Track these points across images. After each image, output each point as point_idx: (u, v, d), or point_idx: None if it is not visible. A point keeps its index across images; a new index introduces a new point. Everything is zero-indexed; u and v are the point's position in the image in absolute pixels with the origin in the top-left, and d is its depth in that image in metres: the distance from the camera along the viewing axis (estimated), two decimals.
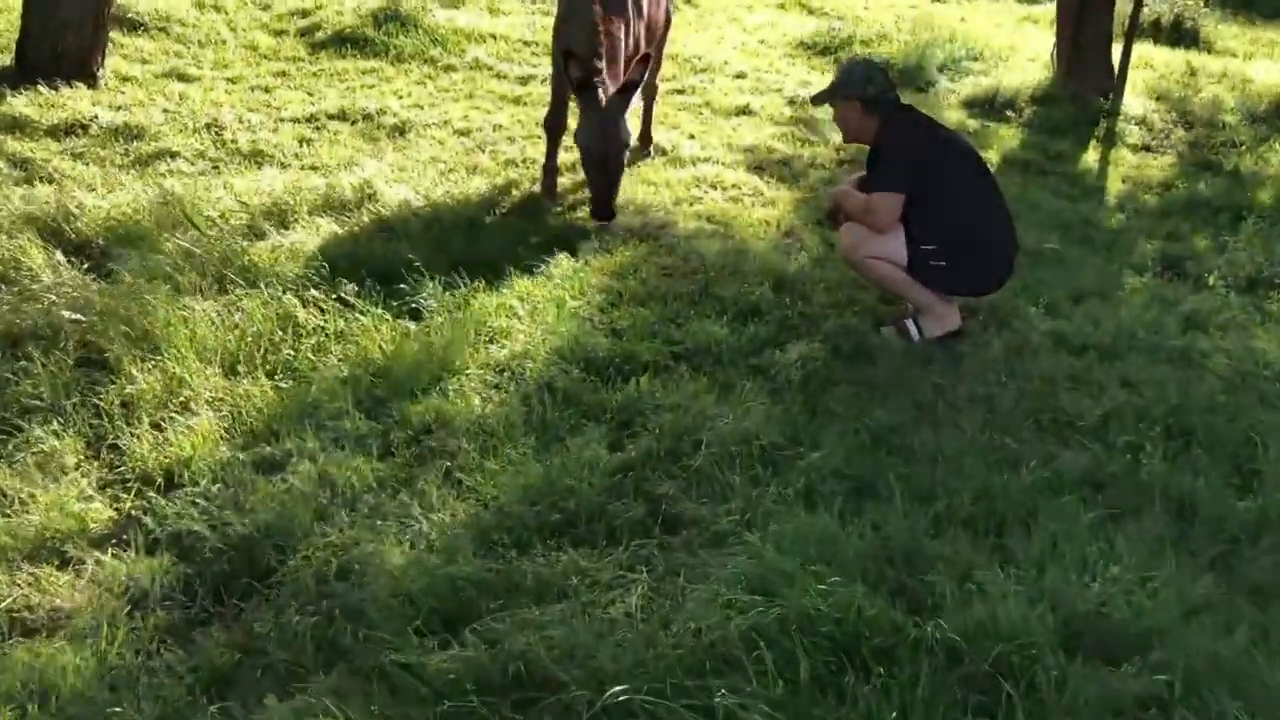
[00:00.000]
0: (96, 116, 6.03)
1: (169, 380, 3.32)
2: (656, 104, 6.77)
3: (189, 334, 3.51)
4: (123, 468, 3.01)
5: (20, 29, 6.67)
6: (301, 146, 6.06)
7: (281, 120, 6.53)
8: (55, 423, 3.10)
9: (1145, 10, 9.39)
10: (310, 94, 7.21)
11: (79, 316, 3.48)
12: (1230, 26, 12.72)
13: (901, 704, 2.26)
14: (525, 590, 2.59)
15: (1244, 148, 7.76)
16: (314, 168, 5.70)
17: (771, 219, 5.65)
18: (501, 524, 2.84)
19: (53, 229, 4.30)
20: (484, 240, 4.85)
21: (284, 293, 3.90)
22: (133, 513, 2.84)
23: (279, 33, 8.70)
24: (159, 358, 3.40)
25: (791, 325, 4.32)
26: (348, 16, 8.78)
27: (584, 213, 5.45)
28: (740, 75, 8.79)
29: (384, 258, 4.35)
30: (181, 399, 3.28)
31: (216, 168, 5.59)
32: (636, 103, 6.52)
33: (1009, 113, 8.21)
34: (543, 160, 5.77)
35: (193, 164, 5.59)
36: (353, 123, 6.63)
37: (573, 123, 6.62)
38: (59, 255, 4.04)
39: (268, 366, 3.52)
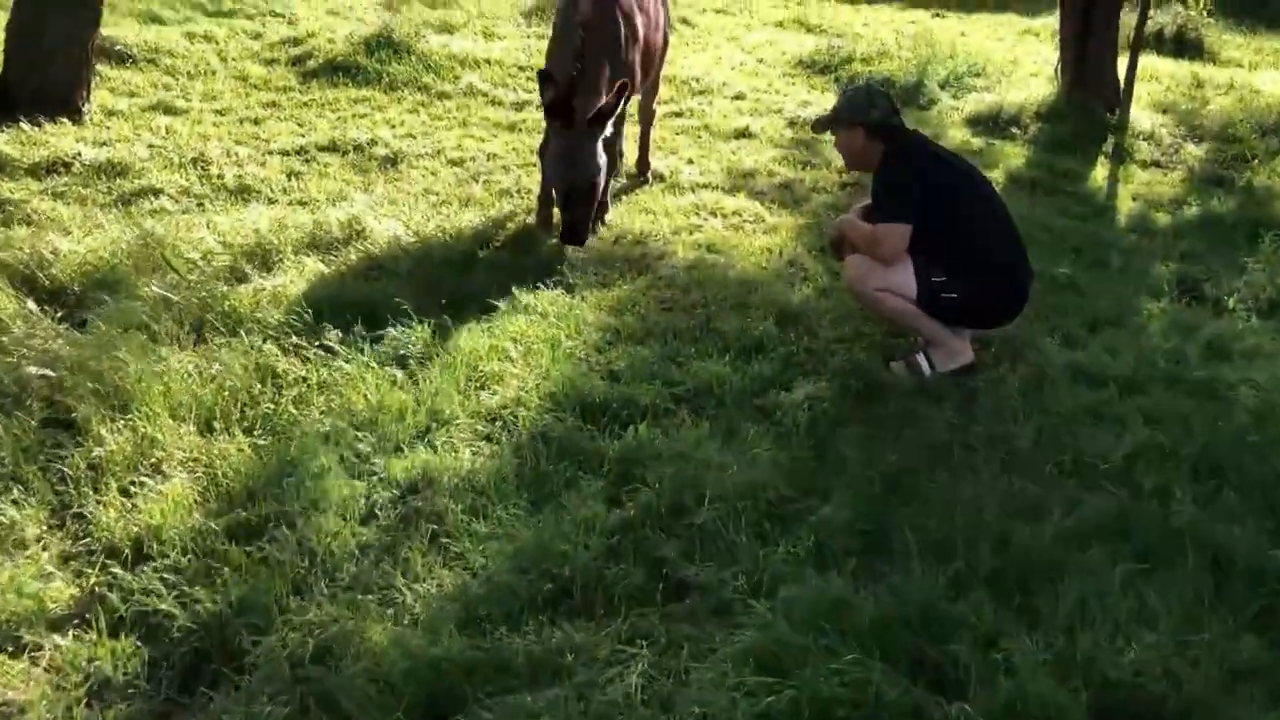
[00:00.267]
0: (79, 154, 5.87)
1: (140, 440, 3.14)
2: (654, 129, 6.62)
3: (163, 389, 3.33)
4: (88, 539, 2.83)
5: (2, 65, 6.53)
6: (290, 180, 5.90)
7: (270, 153, 6.37)
8: (16, 491, 2.91)
9: (1148, 21, 9.22)
10: (300, 125, 7.06)
11: (47, 372, 3.31)
12: (1234, 36, 12.57)
13: None
14: (515, 671, 2.40)
15: (1256, 162, 7.59)
16: (302, 203, 5.54)
17: (774, 246, 5.47)
18: (491, 595, 2.65)
19: (25, 275, 4.13)
20: (476, 276, 4.68)
21: (264, 341, 3.72)
22: (96, 589, 2.65)
23: (270, 62, 8.57)
24: (130, 416, 3.22)
25: (797, 362, 4.13)
26: (340, 44, 8.65)
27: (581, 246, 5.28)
28: (739, 96, 8.65)
29: (371, 299, 4.18)
30: (153, 460, 3.09)
31: (201, 205, 5.43)
32: (629, 128, 6.40)
33: (1014, 130, 8.05)
34: (537, 190, 5.61)
35: (176, 201, 5.42)
36: (343, 154, 6.47)
37: None
38: (31, 304, 3.87)
39: (246, 422, 3.34)
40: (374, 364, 3.69)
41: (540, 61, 7.81)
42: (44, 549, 2.76)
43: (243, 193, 5.64)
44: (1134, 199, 6.81)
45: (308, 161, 6.28)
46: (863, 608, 2.64)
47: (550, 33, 5.76)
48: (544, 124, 5.54)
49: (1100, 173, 7.39)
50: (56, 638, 2.48)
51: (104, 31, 8.26)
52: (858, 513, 3.09)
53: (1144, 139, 7.99)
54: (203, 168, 5.95)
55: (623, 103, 4.92)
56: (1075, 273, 5.30)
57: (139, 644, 2.48)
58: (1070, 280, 5.19)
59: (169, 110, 7.07)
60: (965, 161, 4.50)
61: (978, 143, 7.81)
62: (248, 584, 2.67)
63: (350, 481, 3.13)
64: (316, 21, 9.85)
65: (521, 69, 8.69)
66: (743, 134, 7.59)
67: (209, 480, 3.08)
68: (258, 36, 9.31)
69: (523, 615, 2.60)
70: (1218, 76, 10.22)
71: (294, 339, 3.75)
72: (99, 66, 7.66)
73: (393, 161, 6.40)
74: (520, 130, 7.26)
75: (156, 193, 5.48)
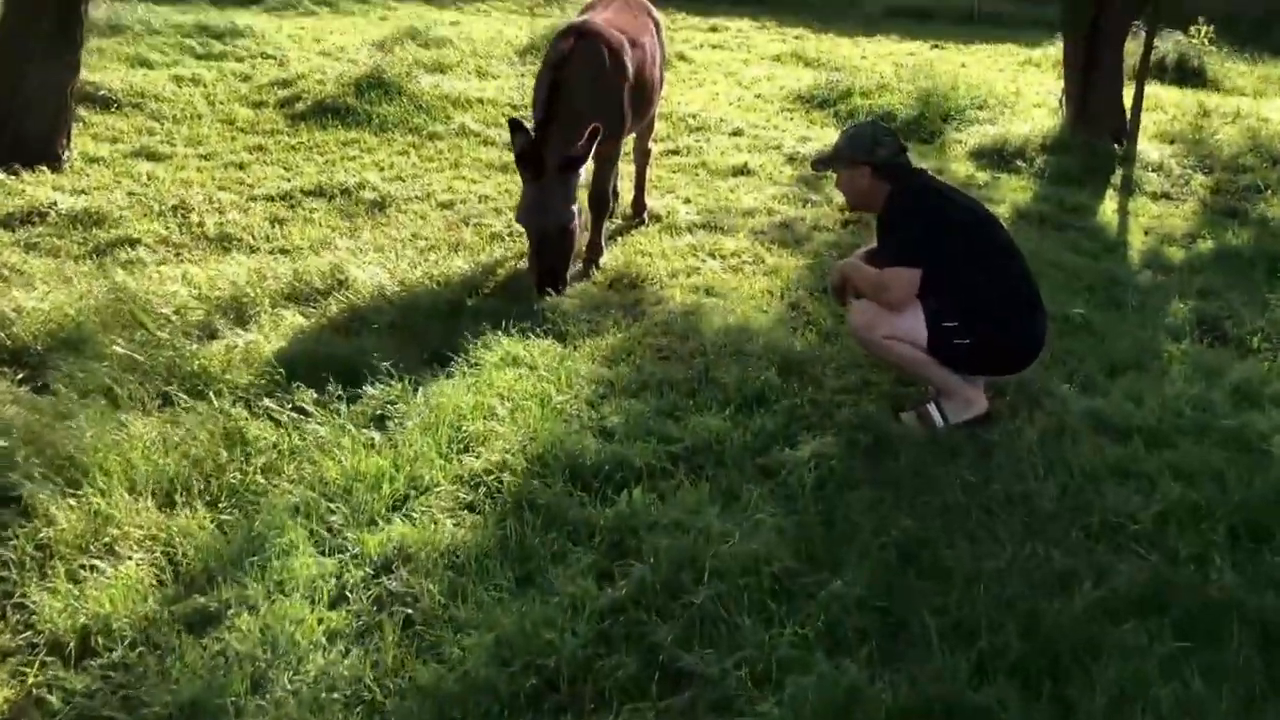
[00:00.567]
0: (55, 203, 5.67)
1: (92, 518, 2.90)
2: (650, 168, 6.43)
3: (121, 460, 3.10)
4: (29, 631, 2.58)
5: None
6: (273, 227, 5.70)
7: (254, 198, 6.18)
8: None
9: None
10: (287, 169, 6.88)
11: None
12: (1236, 64, 12.42)
13: None
14: None
15: (1269, 192, 7.39)
16: (284, 251, 5.33)
17: (775, 289, 5.26)
18: (468, 692, 2.40)
19: None
20: (463, 326, 4.45)
21: (234, 404, 3.49)
22: (35, 690, 2.41)
23: (258, 104, 8.42)
24: (83, 491, 2.98)
25: (801, 415, 3.90)
26: (330, 86, 8.49)
27: (573, 290, 5.07)
28: (737, 132, 8.48)
29: (350, 355, 3.95)
30: (106, 540, 2.85)
31: (179, 254, 5.22)
32: (624, 166, 6.21)
33: (1019, 163, 7.86)
34: None
35: (154, 251, 5.22)
36: (330, 198, 6.28)
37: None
38: None
39: (210, 494, 3.10)
40: (350, 426, 3.46)
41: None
42: None
43: (223, 241, 5.43)
44: (1146, 233, 6.60)
45: (293, 207, 6.09)
46: (878, 700, 2.39)
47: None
48: None
49: (1110, 206, 7.19)
50: None
51: (90, 77, 8.14)
52: (871, 588, 2.85)
53: (1152, 170, 7.80)
54: (183, 215, 5.75)
55: (591, 149, 4.72)
56: (1090, 313, 5.07)
57: None
58: (1085, 321, 4.96)
59: (152, 156, 6.89)
60: (974, 200, 4.29)
61: (983, 176, 7.62)
62: (202, 681, 2.43)
63: (320, 559, 2.89)
64: (308, 63, 9.71)
65: (515, 108, 8.52)
66: (741, 171, 7.40)
67: (167, 561, 2.84)
68: (247, 79, 9.17)
69: (504, 716, 2.35)
70: (1223, 105, 10.05)
71: (265, 401, 3.52)
72: (82, 112, 7.52)
73: (380, 205, 6.20)
74: (513, 171, 7.03)
75: (133, 243, 5.28)
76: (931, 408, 3.94)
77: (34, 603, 2.65)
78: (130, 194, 6.06)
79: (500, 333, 4.38)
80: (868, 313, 3.93)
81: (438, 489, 3.23)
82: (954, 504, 3.37)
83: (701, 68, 11.44)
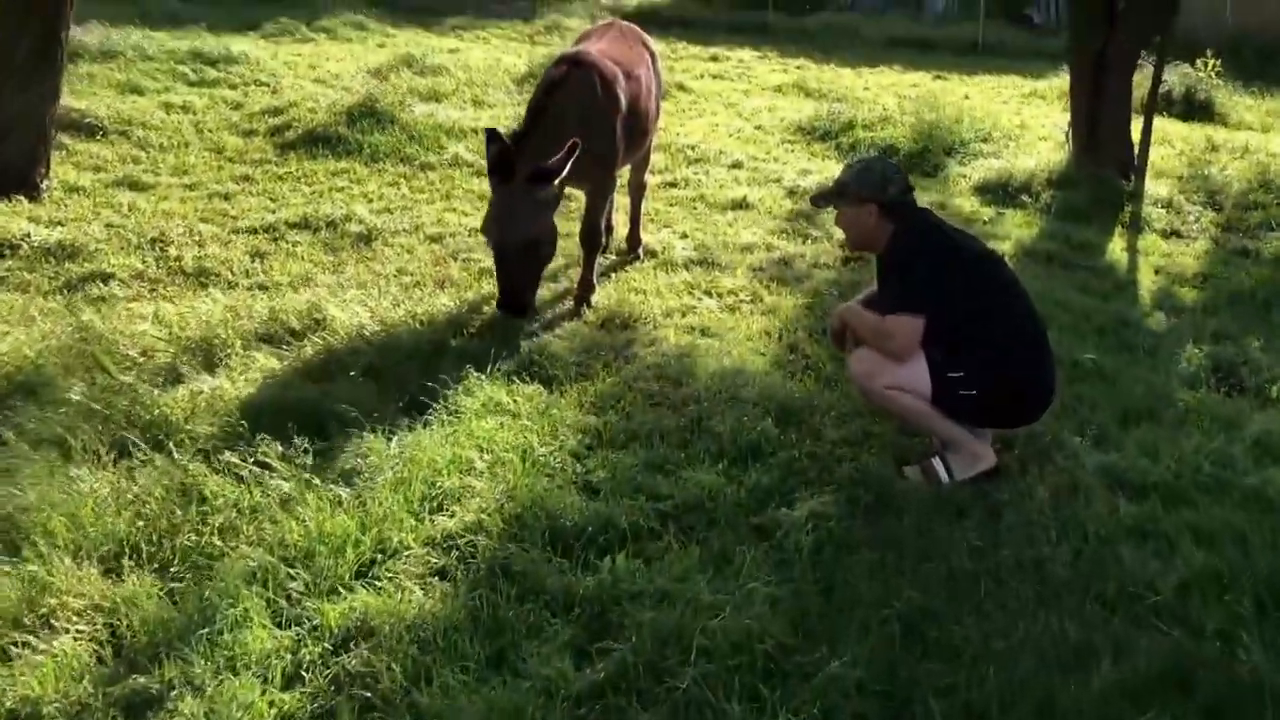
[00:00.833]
0: (29, 234, 5.49)
1: (28, 587, 2.68)
2: (646, 201, 6.25)
3: (66, 520, 2.88)
4: None
5: None
6: (253, 262, 5.51)
7: (236, 231, 5.99)
8: None
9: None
10: (273, 200, 6.71)
11: None
12: (1243, 98, 12.27)
13: None
14: None
15: None
16: (263, 287, 5.14)
17: (772, 329, 5.06)
18: None
19: None
20: (445, 369, 4.23)
21: (193, 457, 3.28)
22: None
23: (248, 133, 8.27)
24: (21, 557, 2.77)
25: (799, 469, 3.68)
26: (321, 114, 8.35)
27: (563, 330, 4.87)
28: (736, 165, 8.31)
29: (321, 403, 3.74)
30: (43, 612, 2.64)
31: (153, 290, 5.03)
32: (619, 198, 6.01)
33: (1024, 198, 7.67)
34: None
35: (127, 286, 5.03)
36: (315, 231, 6.09)
37: (567, 223, 6.11)
38: None
39: (161, 558, 2.88)
40: (317, 481, 3.24)
41: None
42: None
43: (201, 276, 5.24)
44: (1156, 272, 6.41)
45: (276, 240, 5.90)
46: None
47: None
48: None
49: (1118, 244, 7.00)
50: None
51: (76, 103, 8.00)
52: (872, 668, 2.63)
53: (1161, 206, 7.62)
54: (161, 248, 5.57)
55: (564, 164, 4.50)
56: (1101, 357, 4.86)
57: None
58: (1096, 366, 4.75)
59: (134, 186, 6.72)
60: (980, 242, 4.09)
61: (987, 212, 7.44)
62: None
63: (275, 632, 2.66)
64: (301, 90, 9.58)
65: None
66: (740, 205, 7.22)
67: (109, 634, 2.62)
68: (238, 106, 9.02)
69: None
70: (1231, 140, 9.90)
71: (227, 454, 3.30)
72: (66, 140, 7.36)
73: (367, 239, 6.02)
74: None
75: (106, 277, 5.09)
76: (936, 462, 3.73)
77: None
78: (108, 225, 5.87)
79: (483, 376, 4.17)
80: (868, 361, 3.73)
81: (407, 552, 3.01)
82: (961, 571, 3.15)
83: (701, 98, 11.30)
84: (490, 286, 5.37)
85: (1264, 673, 2.73)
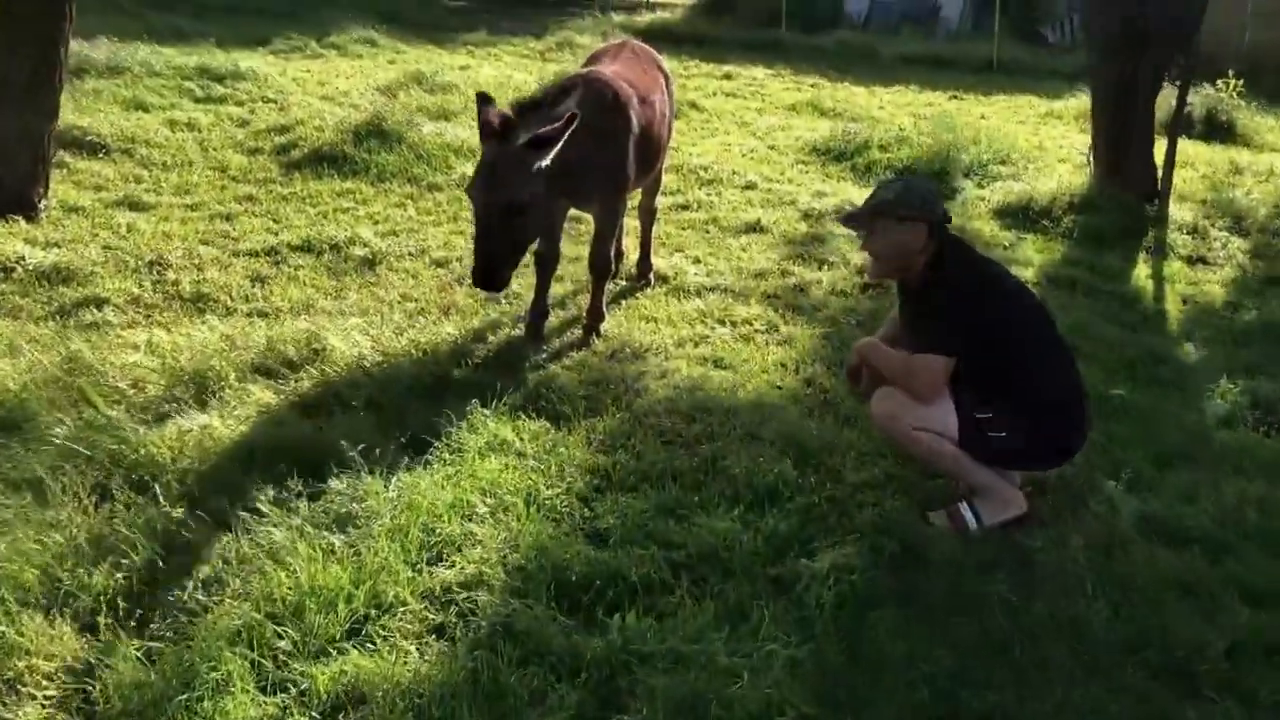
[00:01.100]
0: (24, 257, 5.34)
1: None
2: (656, 225, 6.07)
3: (40, 573, 2.71)
4: None
5: None
6: (253, 286, 5.35)
7: (237, 254, 5.83)
8: None
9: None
10: (276, 221, 6.54)
11: None
12: (1266, 118, 12.06)
13: None
14: None
15: None
16: (262, 314, 4.97)
17: (789, 361, 4.87)
18: None
19: None
20: (448, 404, 4.06)
21: (179, 502, 3.10)
22: None
23: (253, 151, 8.12)
24: None
25: (818, 515, 3.49)
26: (328, 133, 8.20)
27: (571, 361, 4.69)
28: (750, 186, 8.13)
29: (317, 441, 3.56)
30: (9, 674, 2.46)
31: (149, 316, 4.86)
32: (629, 220, 5.84)
33: (1045, 222, 7.47)
34: (531, 297, 5.03)
35: (122, 313, 4.86)
36: (318, 254, 5.93)
37: (576, 247, 5.94)
38: None
39: (141, 615, 2.70)
40: (309, 528, 3.06)
41: None
42: None
43: (198, 301, 5.08)
44: (1184, 302, 6.21)
45: (277, 264, 5.74)
46: None
47: None
48: None
49: (1142, 270, 6.79)
50: None
51: (79, 121, 7.87)
52: None
53: (1186, 232, 7.42)
54: (159, 272, 5.41)
55: (568, 132, 4.21)
56: (1131, 393, 4.66)
57: None
58: (1126, 403, 4.55)
59: (135, 206, 6.56)
60: (1006, 269, 3.89)
61: (1007, 236, 7.24)
62: None
63: (260, 699, 2.48)
64: (308, 108, 9.43)
65: None
66: (753, 228, 7.04)
67: (81, 699, 2.43)
68: (244, 124, 8.89)
69: None
70: (1256, 163, 9.69)
71: (213, 499, 3.13)
72: (68, 159, 7.23)
73: (371, 263, 5.85)
74: None
75: (101, 303, 4.93)
76: (963, 507, 3.54)
77: None
78: (106, 247, 5.72)
79: (488, 411, 3.99)
80: (892, 401, 3.54)
81: (403, 608, 2.82)
82: (994, 629, 2.96)
83: (714, 116, 11.14)
84: (495, 312, 5.20)
85: None
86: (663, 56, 5.96)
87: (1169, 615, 3.04)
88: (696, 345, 5.01)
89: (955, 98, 13.68)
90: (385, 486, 3.32)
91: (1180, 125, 7.93)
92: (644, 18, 20.46)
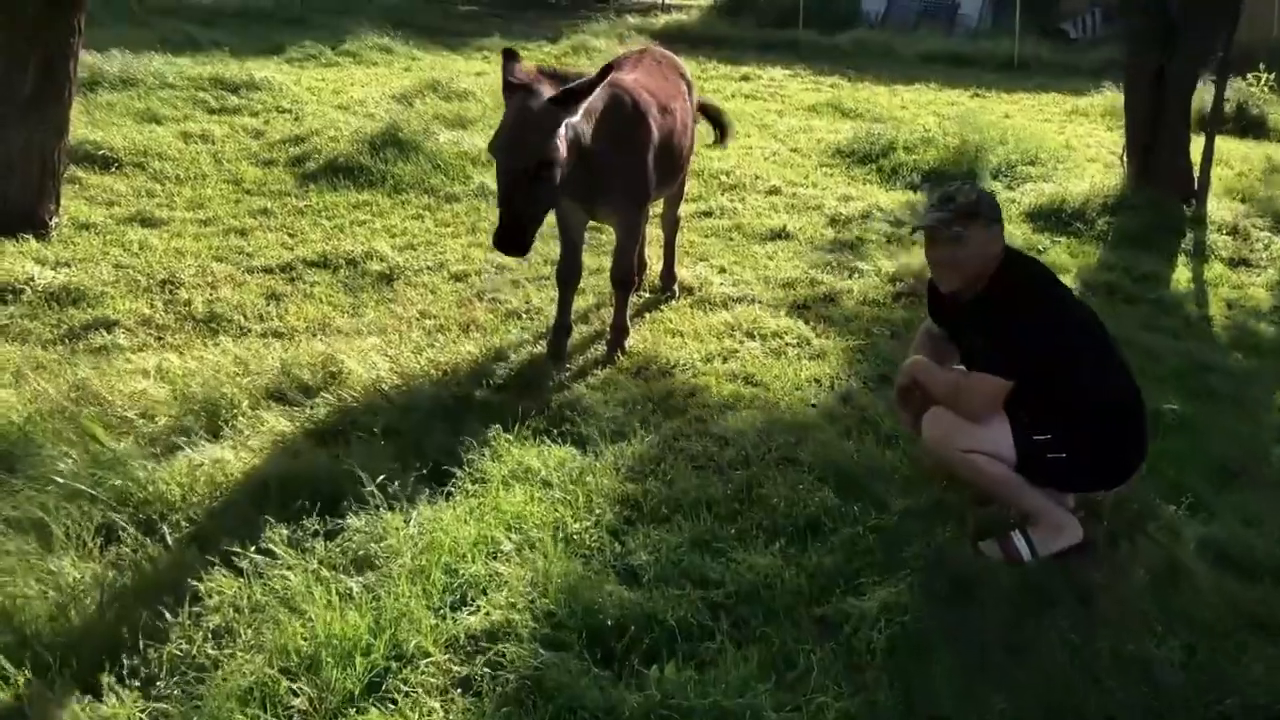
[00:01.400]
0: (32, 278, 5.20)
1: None
2: (679, 234, 5.88)
3: (38, 625, 2.54)
4: None
5: None
6: (268, 305, 5.19)
7: (251, 270, 5.68)
8: None
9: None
10: (291, 235, 6.39)
11: None
12: None
13: None
14: None
15: None
16: (277, 334, 4.81)
17: (824, 377, 4.67)
18: None
19: None
20: (470, 428, 3.90)
21: (188, 544, 2.94)
22: None
23: (268, 163, 7.98)
24: None
25: (864, 549, 3.29)
26: (343, 143, 8.05)
27: (595, 379, 4.51)
28: (773, 191, 7.93)
29: (333, 472, 3.39)
30: None
31: (160, 338, 4.71)
32: (651, 230, 5.66)
33: (1079, 225, 7.24)
34: (554, 312, 4.85)
35: (133, 335, 4.71)
36: (334, 270, 5.78)
37: (598, 259, 5.76)
38: None
39: (146, 670, 2.53)
40: (325, 571, 2.89)
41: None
42: None
43: (211, 322, 4.93)
44: (1229, 307, 5.98)
45: (293, 280, 5.58)
46: None
47: None
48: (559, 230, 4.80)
49: (1183, 274, 6.57)
50: None
51: (91, 135, 7.75)
52: None
53: (1226, 233, 7.18)
54: (170, 291, 5.26)
55: (602, 84, 3.98)
56: (1182, 406, 4.45)
57: None
58: (1179, 418, 4.34)
59: (147, 222, 6.42)
60: (1058, 279, 3.68)
61: (1041, 240, 7.02)
62: None
63: None
64: (323, 117, 9.29)
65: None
66: (779, 234, 6.84)
67: None
68: (259, 135, 8.75)
69: None
70: None
71: (225, 539, 2.96)
72: (80, 173, 7.11)
73: (388, 278, 5.69)
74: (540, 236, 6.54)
75: (111, 325, 4.78)
76: (1017, 537, 3.34)
77: None
78: (117, 266, 5.58)
79: (511, 436, 3.81)
80: (945, 421, 3.34)
81: (425, 659, 2.64)
82: (1056, 674, 2.76)
83: (734, 119, 10.91)
84: (517, 329, 5.03)
85: None
86: (680, 58, 5.77)
87: (1244, 655, 2.84)
88: (725, 361, 4.82)
89: (977, 95, 13.44)
90: (405, 522, 3.14)
91: (1219, 121, 7.70)
92: (659, 19, 20.26)
